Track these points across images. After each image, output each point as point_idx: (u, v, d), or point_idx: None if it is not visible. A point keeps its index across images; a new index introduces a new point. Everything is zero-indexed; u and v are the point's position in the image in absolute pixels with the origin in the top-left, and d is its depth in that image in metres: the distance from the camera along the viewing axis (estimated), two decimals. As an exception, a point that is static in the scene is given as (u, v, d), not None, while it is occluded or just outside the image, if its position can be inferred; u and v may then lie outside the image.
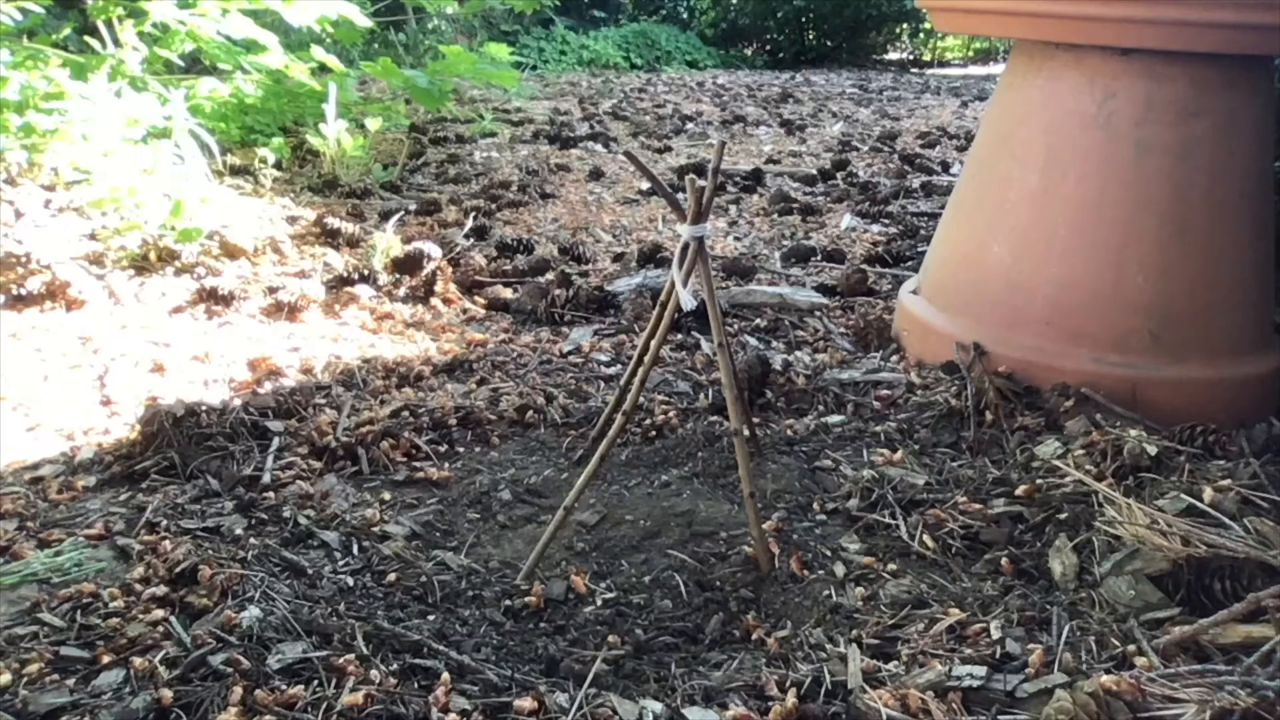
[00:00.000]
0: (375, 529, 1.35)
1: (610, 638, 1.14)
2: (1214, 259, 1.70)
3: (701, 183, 1.19)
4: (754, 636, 1.17)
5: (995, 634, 1.12)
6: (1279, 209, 1.84)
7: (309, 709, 0.99)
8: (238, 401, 1.66)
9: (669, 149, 4.44)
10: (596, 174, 3.85)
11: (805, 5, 9.77)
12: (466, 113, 5.17)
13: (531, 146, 4.44)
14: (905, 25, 11.05)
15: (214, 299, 2.20)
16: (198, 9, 3.31)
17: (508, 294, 2.40)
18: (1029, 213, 1.79)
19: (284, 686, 1.01)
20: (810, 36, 10.47)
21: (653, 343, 1.32)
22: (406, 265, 2.44)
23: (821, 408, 1.76)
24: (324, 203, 3.21)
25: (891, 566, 1.29)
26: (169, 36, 3.38)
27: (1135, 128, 1.68)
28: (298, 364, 1.92)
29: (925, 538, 1.34)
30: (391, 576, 1.24)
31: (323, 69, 3.73)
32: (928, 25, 10.67)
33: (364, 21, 3.66)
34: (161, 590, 1.16)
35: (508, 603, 1.21)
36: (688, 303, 1.16)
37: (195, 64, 3.90)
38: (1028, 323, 1.77)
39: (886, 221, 3.30)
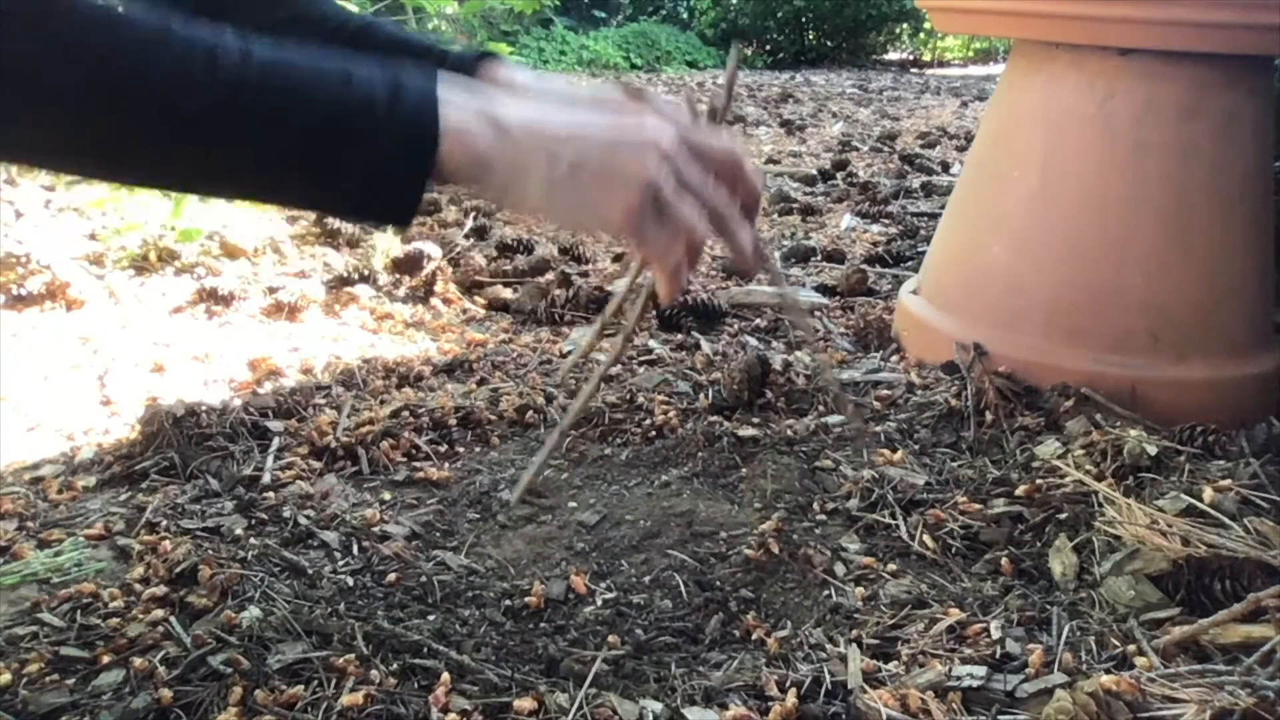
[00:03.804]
0: (375, 529, 1.35)
1: (610, 638, 1.14)
2: (1214, 259, 1.70)
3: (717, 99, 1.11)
4: (754, 636, 1.17)
5: (995, 634, 1.12)
6: (1279, 209, 1.84)
7: (309, 709, 0.99)
8: (238, 401, 1.66)
9: (669, 149, 4.44)
10: (596, 174, 3.84)
11: (805, 5, 9.78)
12: (466, 113, 5.16)
13: (531, 146, 4.43)
14: (905, 25, 11.06)
15: (214, 299, 2.20)
16: (198, 9, 3.31)
17: (508, 294, 2.40)
18: (1029, 213, 1.79)
19: (284, 686, 1.01)
20: (810, 36, 10.48)
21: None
22: (406, 265, 2.44)
23: (821, 408, 1.76)
24: (324, 203, 3.21)
25: (891, 566, 1.29)
26: (169, 36, 3.38)
27: (1135, 128, 1.68)
28: (298, 364, 1.92)
29: (925, 538, 1.34)
30: (391, 576, 1.24)
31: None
32: (928, 25, 10.67)
33: (364, 21, 3.66)
34: (161, 590, 1.16)
35: (508, 603, 1.21)
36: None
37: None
38: (1028, 323, 1.77)
39: (886, 221, 3.31)
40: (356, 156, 0.63)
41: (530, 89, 0.78)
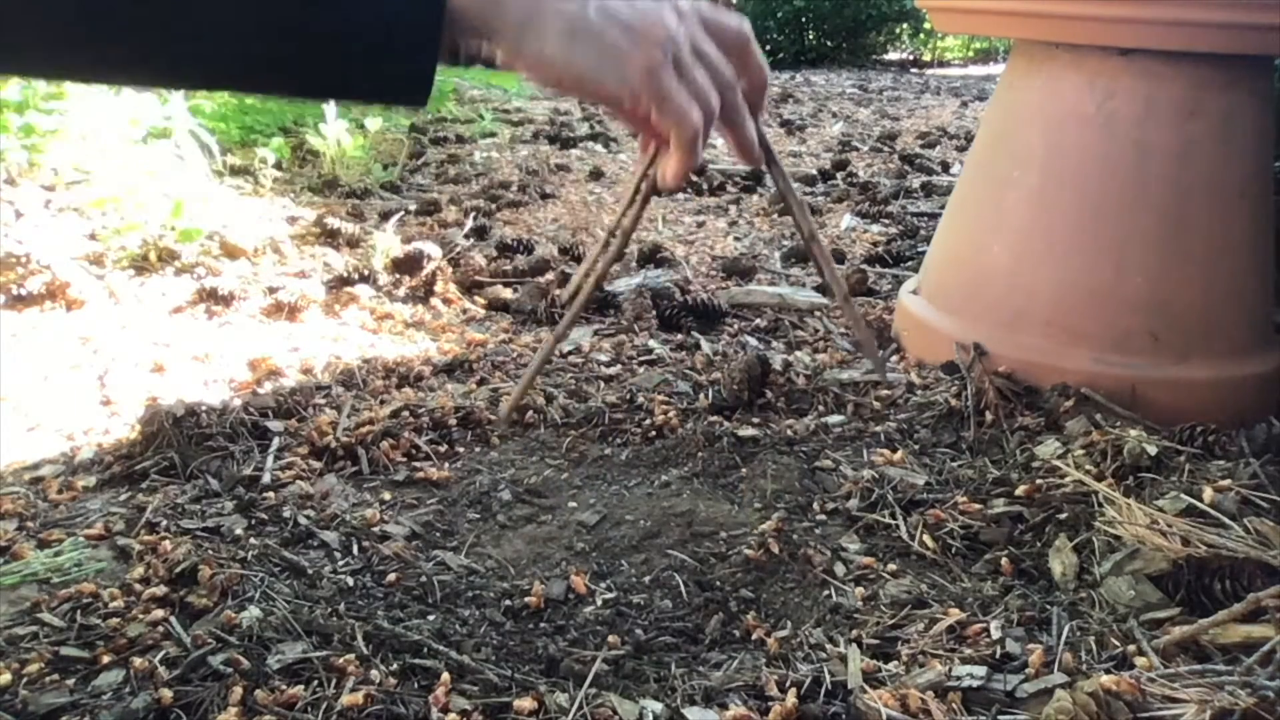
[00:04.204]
0: (375, 529, 1.35)
1: (610, 638, 1.14)
2: (1214, 259, 1.70)
3: None
4: (754, 636, 1.17)
5: (995, 634, 1.12)
6: (1279, 209, 1.84)
7: (309, 709, 0.99)
8: (238, 401, 1.66)
9: (669, 149, 4.44)
10: (596, 174, 3.85)
11: (805, 5, 9.77)
12: (466, 113, 5.17)
13: (531, 146, 4.44)
14: (905, 25, 11.04)
15: (214, 299, 2.20)
16: (198, 9, 3.31)
17: (508, 294, 2.40)
18: (1029, 213, 1.79)
19: (284, 686, 1.01)
20: (810, 36, 10.46)
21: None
22: (406, 265, 2.44)
23: (821, 408, 1.76)
24: (324, 203, 3.21)
25: (891, 566, 1.29)
26: (169, 36, 3.38)
27: (1135, 128, 1.68)
28: (298, 364, 1.92)
29: (925, 538, 1.34)
30: (391, 576, 1.24)
31: (323, 69, 3.72)
32: (928, 25, 10.66)
33: (364, 21, 3.65)
34: (161, 590, 1.16)
35: (508, 603, 1.21)
36: None
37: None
38: (1028, 323, 1.77)
39: (886, 221, 3.30)
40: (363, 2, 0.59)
41: None
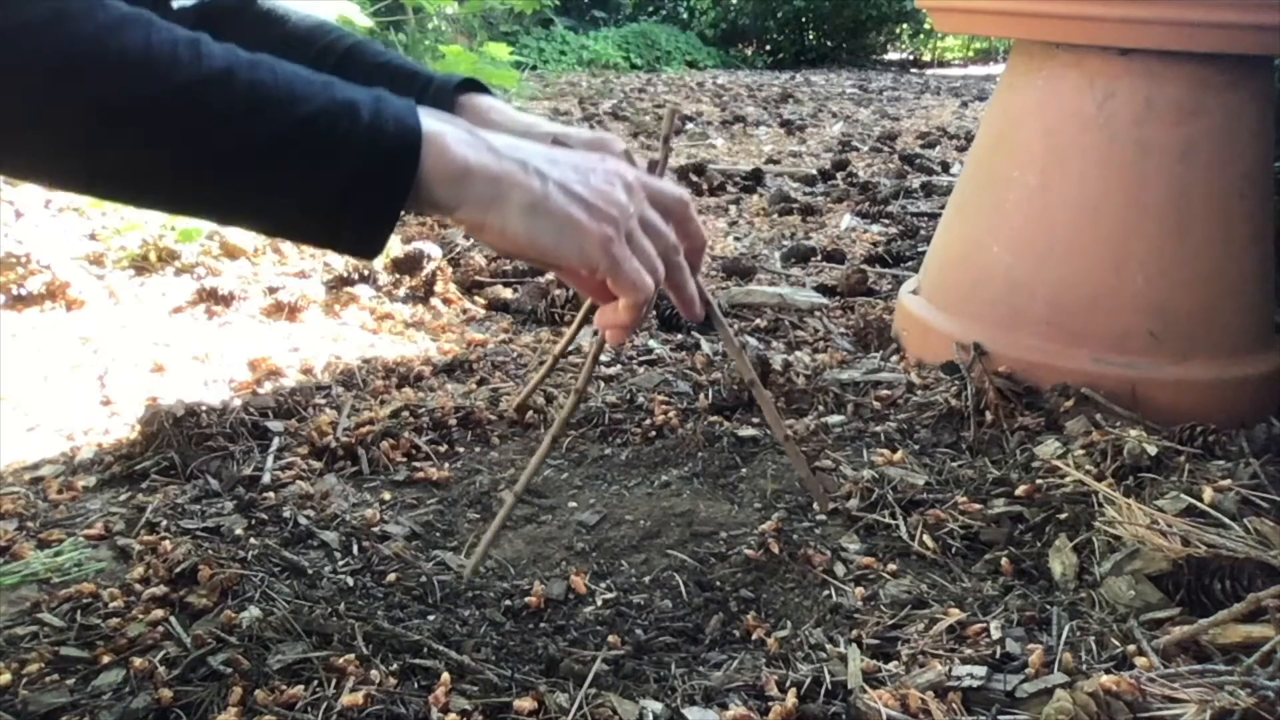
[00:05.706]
0: (375, 529, 1.35)
1: (610, 638, 1.14)
2: (1214, 259, 1.70)
3: (654, 157, 1.17)
4: (754, 636, 1.17)
5: (995, 634, 1.12)
6: (1279, 209, 1.84)
7: (309, 709, 0.99)
8: (238, 401, 1.66)
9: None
10: (596, 174, 3.85)
11: (805, 5, 9.78)
12: (466, 113, 5.16)
13: (531, 146, 4.43)
14: (905, 25, 11.05)
15: (214, 299, 2.20)
16: (198, 9, 3.31)
17: (508, 294, 2.40)
18: (1029, 213, 1.79)
19: (284, 686, 1.01)
20: (810, 36, 10.47)
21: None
22: (406, 265, 2.44)
23: (821, 408, 1.76)
24: (324, 203, 3.21)
25: (891, 566, 1.29)
26: (169, 36, 3.38)
27: (1135, 128, 1.68)
28: (298, 364, 1.92)
29: (925, 538, 1.34)
30: (391, 576, 1.24)
31: (323, 69, 3.72)
32: (928, 25, 10.67)
33: (364, 21, 3.65)
34: (161, 590, 1.16)
35: (508, 603, 1.21)
36: None
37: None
38: (1028, 323, 1.77)
39: (886, 221, 3.31)
40: (340, 152, 0.62)
41: (506, 124, 0.82)
